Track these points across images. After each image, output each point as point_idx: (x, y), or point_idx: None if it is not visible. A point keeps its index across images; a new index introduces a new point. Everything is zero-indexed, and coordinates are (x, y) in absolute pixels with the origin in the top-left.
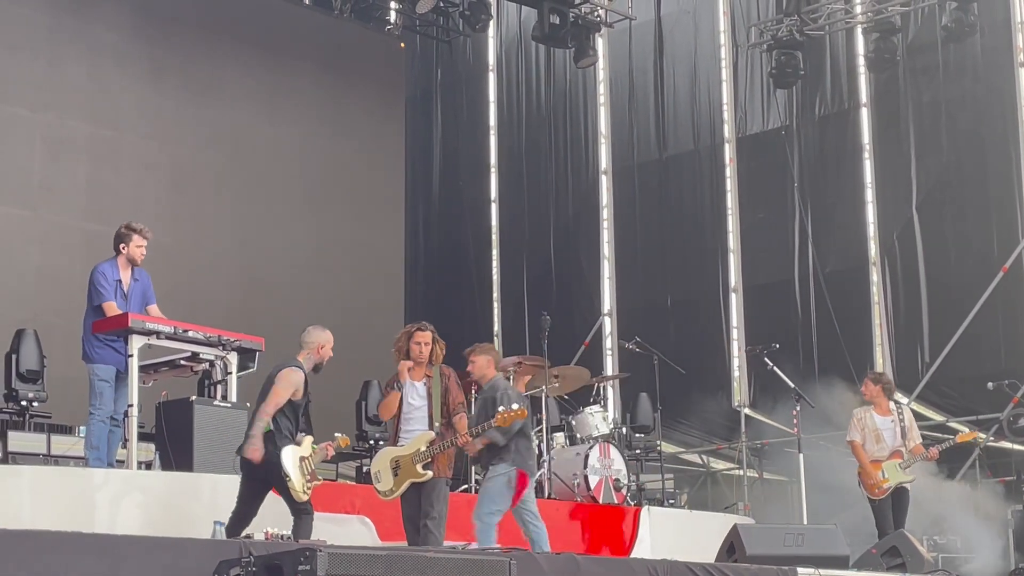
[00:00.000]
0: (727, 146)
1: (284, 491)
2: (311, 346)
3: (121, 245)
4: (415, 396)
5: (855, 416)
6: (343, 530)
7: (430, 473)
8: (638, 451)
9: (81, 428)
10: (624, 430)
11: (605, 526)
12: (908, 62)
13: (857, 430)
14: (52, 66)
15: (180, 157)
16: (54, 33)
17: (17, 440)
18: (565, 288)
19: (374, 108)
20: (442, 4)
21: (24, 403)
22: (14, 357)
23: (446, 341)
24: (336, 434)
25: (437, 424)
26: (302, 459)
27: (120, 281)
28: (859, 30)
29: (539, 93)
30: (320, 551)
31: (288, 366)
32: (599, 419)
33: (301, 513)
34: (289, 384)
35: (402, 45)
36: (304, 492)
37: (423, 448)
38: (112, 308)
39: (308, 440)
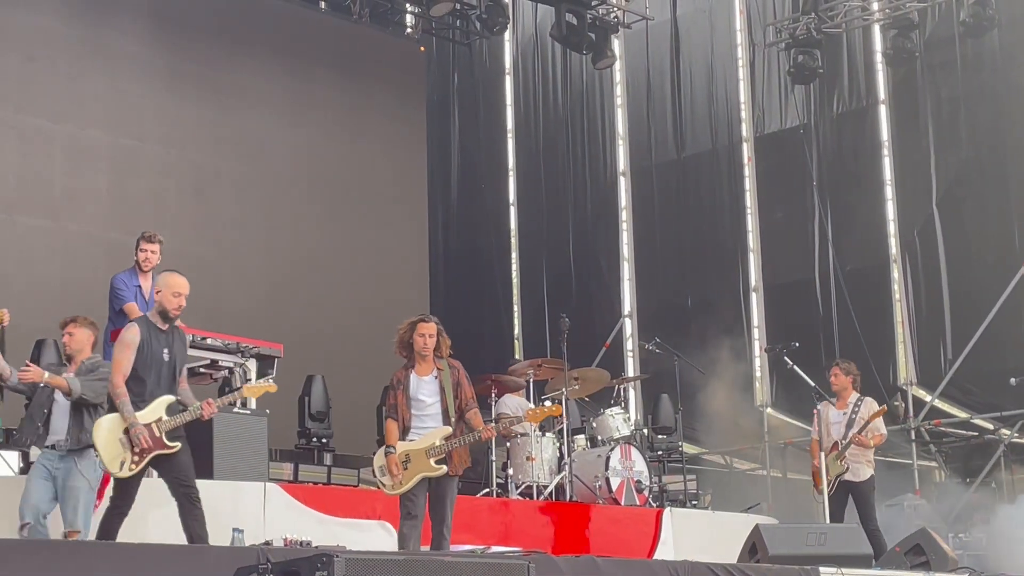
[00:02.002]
0: (745, 145)
1: None
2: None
3: (135, 254)
4: (426, 392)
5: (816, 414)
6: (364, 536)
7: (444, 468)
8: (660, 452)
9: None
10: (645, 431)
11: (627, 528)
12: (926, 58)
13: (815, 428)
14: (71, 77)
15: (201, 164)
16: (72, 43)
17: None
18: (585, 290)
19: (394, 112)
20: (459, 7)
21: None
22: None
23: (468, 345)
24: (247, 384)
25: (452, 420)
26: (130, 428)
27: (140, 287)
28: (876, 27)
29: (556, 95)
30: (337, 556)
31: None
32: (620, 421)
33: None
34: (120, 343)
35: (422, 49)
36: (120, 468)
37: (438, 442)
38: (133, 309)
39: (161, 402)
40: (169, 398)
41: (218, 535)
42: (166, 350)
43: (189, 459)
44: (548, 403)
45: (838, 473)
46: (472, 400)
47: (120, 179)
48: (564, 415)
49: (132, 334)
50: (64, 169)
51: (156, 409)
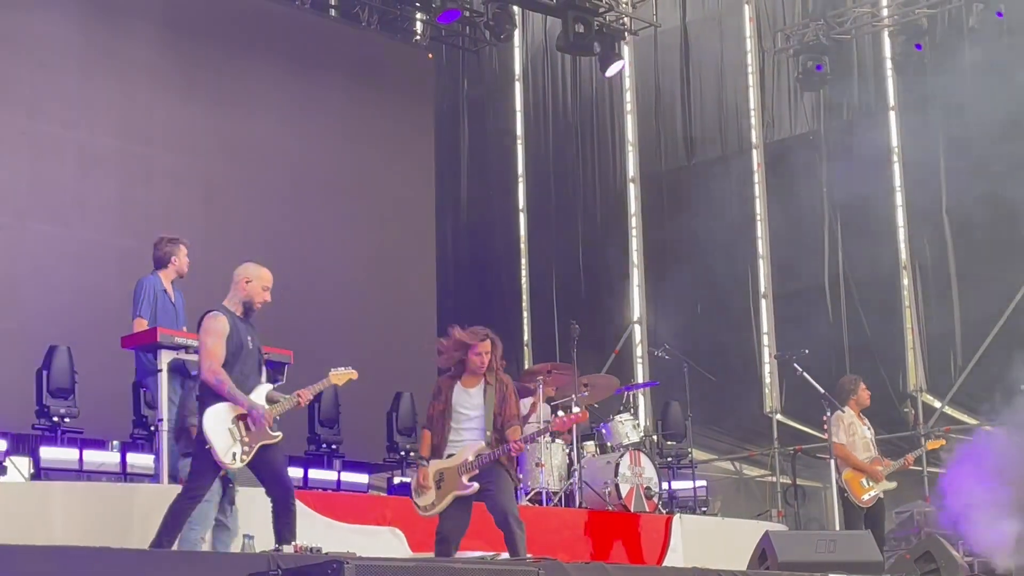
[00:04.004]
0: (755, 152)
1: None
2: (235, 281)
3: (173, 259)
4: (468, 405)
5: (842, 420)
6: (374, 542)
7: (475, 486)
8: (669, 459)
9: (114, 443)
10: (655, 438)
11: (636, 535)
12: (935, 64)
13: (844, 433)
14: (83, 83)
15: (211, 171)
16: (84, 50)
17: (49, 455)
18: (594, 296)
19: (403, 119)
20: (467, 14)
21: (56, 419)
22: (45, 373)
23: None
24: (333, 370)
25: (488, 434)
26: (238, 418)
27: (167, 292)
28: (886, 33)
29: (565, 102)
30: (348, 563)
31: (207, 314)
32: (629, 427)
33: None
34: (211, 332)
35: (430, 56)
36: (234, 460)
37: (471, 458)
38: (140, 325)
39: (259, 391)
40: (267, 386)
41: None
42: (250, 339)
43: (283, 456)
44: (576, 409)
45: (885, 489)
46: (514, 417)
47: (131, 186)
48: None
49: (221, 323)
50: (75, 175)
51: (257, 398)
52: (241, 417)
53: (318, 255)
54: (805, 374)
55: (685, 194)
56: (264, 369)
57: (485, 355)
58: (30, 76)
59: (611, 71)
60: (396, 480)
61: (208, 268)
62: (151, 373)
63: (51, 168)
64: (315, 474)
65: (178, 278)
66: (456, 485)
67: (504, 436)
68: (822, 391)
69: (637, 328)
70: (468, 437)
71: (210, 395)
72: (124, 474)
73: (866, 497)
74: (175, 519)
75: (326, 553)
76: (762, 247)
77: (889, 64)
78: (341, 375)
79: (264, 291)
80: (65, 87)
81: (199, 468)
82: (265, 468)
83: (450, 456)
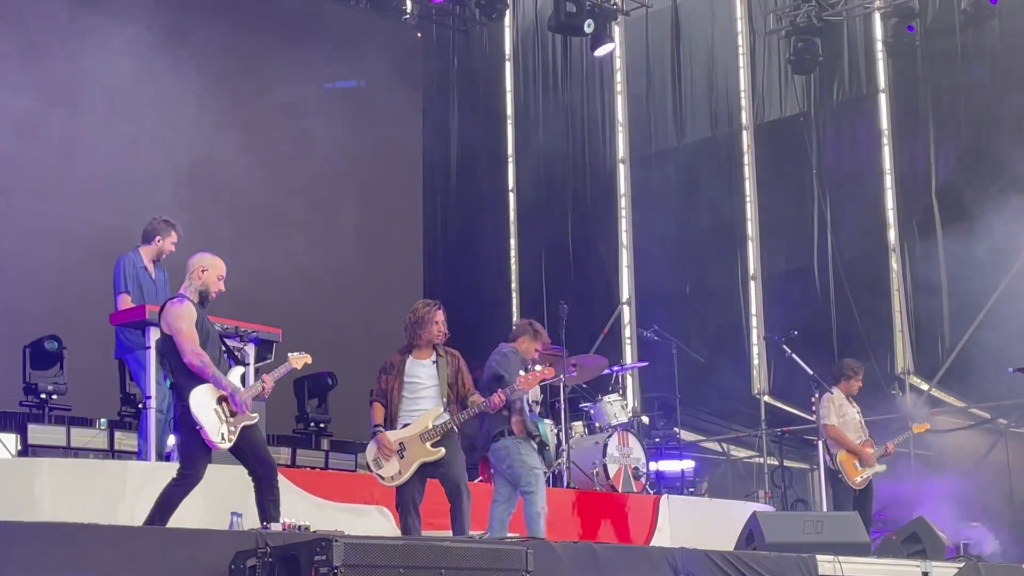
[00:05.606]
0: (745, 133)
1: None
2: (190, 270)
3: (157, 238)
4: (422, 376)
5: (832, 401)
6: (362, 520)
7: (442, 450)
8: (657, 439)
9: (102, 420)
10: (644, 418)
11: (624, 515)
12: (927, 47)
13: (835, 415)
14: (69, 61)
15: (197, 149)
16: (70, 26)
17: (37, 433)
18: (583, 277)
19: (391, 99)
20: None
21: (43, 396)
22: (31, 351)
23: (466, 331)
24: (291, 354)
25: (444, 402)
26: (220, 400)
27: (146, 268)
28: (877, 15)
29: (556, 82)
30: (336, 541)
31: (170, 301)
32: (617, 408)
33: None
34: (184, 317)
35: (419, 35)
36: (223, 440)
37: (431, 425)
38: (125, 301)
39: (236, 372)
40: (240, 369)
41: (216, 519)
42: (212, 325)
43: (262, 434)
44: (538, 367)
45: (876, 472)
46: (473, 386)
47: (117, 164)
48: (563, 401)
49: (189, 308)
50: (61, 153)
51: (231, 380)
52: (222, 399)
53: (303, 234)
54: (794, 356)
55: (674, 175)
56: (223, 356)
57: (442, 323)
58: (16, 53)
59: (600, 52)
60: None
61: (193, 247)
62: (129, 350)
63: (37, 146)
64: (303, 453)
65: (159, 258)
66: (422, 452)
67: (467, 404)
68: (811, 372)
69: (626, 309)
70: (424, 406)
71: (189, 378)
72: (112, 452)
73: (859, 479)
74: (168, 504)
75: (314, 531)
76: (751, 228)
77: (880, 47)
78: (298, 358)
79: (219, 280)
80: (51, 64)
81: (191, 451)
82: (247, 448)
83: (406, 426)
